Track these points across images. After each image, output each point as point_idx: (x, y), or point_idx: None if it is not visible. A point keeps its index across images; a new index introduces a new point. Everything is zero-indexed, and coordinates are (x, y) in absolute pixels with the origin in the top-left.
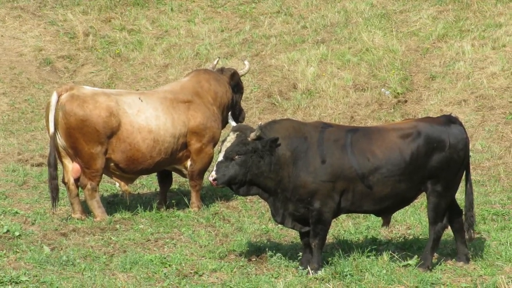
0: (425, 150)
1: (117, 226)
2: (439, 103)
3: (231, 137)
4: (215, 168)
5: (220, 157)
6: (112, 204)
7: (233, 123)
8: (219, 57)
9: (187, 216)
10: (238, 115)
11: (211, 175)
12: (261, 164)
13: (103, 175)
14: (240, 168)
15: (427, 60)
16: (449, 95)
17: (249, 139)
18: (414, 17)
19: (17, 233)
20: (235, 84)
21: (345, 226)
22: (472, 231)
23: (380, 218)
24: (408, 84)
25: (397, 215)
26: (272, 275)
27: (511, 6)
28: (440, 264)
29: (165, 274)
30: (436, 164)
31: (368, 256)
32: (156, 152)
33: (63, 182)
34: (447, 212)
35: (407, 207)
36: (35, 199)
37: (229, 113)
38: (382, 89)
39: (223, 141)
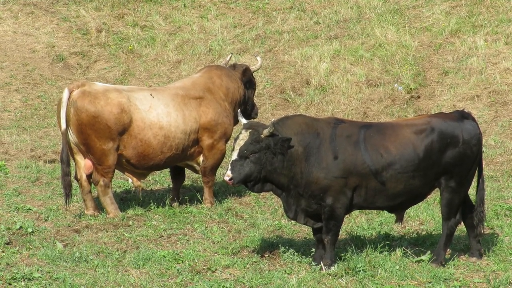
0: (438, 146)
1: (130, 222)
2: (452, 98)
3: (244, 135)
4: (230, 167)
5: (234, 156)
6: (125, 200)
7: (243, 120)
8: (231, 53)
9: (200, 212)
10: (251, 111)
11: (226, 175)
12: (274, 161)
13: (116, 171)
14: (255, 165)
15: (440, 56)
16: (462, 90)
17: (262, 136)
18: (427, 13)
19: (30, 230)
20: (247, 80)
21: (358, 222)
22: (482, 227)
23: (393, 214)
24: (421, 79)
25: (410, 210)
26: (285, 271)
27: None
28: (453, 260)
29: (178, 270)
30: (449, 160)
31: (381, 252)
32: (167, 148)
33: (76, 178)
34: (460, 208)
35: (420, 203)
36: (48, 195)
37: (239, 110)
38: (395, 85)
39: (236, 139)
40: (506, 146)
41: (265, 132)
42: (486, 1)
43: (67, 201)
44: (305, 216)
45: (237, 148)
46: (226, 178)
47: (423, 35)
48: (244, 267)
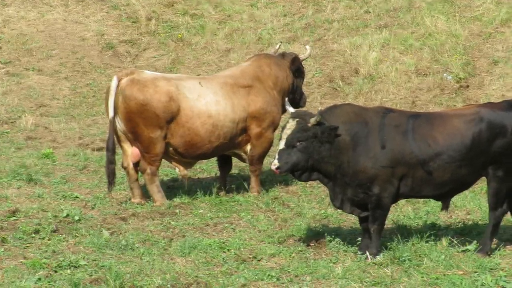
0: (487, 135)
1: (177, 210)
2: (501, 88)
3: (291, 124)
4: (277, 156)
5: (282, 145)
6: (172, 188)
7: (290, 109)
8: (281, 42)
9: (247, 200)
10: (299, 100)
11: (273, 164)
12: (322, 150)
13: (163, 159)
14: (302, 154)
15: (490, 45)
16: (511, 80)
17: (309, 125)
18: (477, 2)
19: (76, 218)
20: (296, 68)
21: (404, 211)
22: None
23: (439, 202)
24: (470, 69)
25: (457, 200)
26: (331, 260)
27: None
28: (499, 250)
29: (223, 258)
30: (497, 150)
31: (427, 241)
32: (215, 137)
33: (123, 166)
34: (507, 198)
35: (466, 192)
36: (95, 183)
37: (286, 98)
38: (444, 74)
39: (283, 128)
40: None
41: (312, 121)
42: None
43: (110, 189)
44: (352, 205)
45: (284, 137)
46: (273, 167)
47: (473, 24)
48: (290, 256)
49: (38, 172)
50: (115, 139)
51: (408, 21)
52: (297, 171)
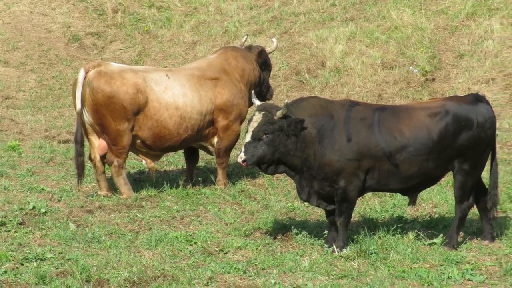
0: (453, 129)
1: (143, 203)
2: (467, 81)
3: (257, 117)
4: (243, 149)
5: (248, 138)
6: (139, 181)
7: (256, 102)
8: (247, 35)
9: (213, 193)
10: (266, 93)
11: (240, 157)
12: (288, 143)
13: (130, 152)
14: (268, 147)
15: (456, 39)
16: (477, 73)
17: (275, 117)
18: None
19: (43, 210)
20: (263, 61)
21: (371, 204)
22: (495, 210)
23: (406, 197)
24: (436, 62)
25: (423, 193)
26: (298, 253)
27: None
28: (465, 243)
29: (190, 251)
30: (463, 143)
31: (393, 235)
32: (183, 129)
33: (90, 159)
34: (473, 191)
35: (433, 186)
36: (61, 176)
37: (252, 92)
38: (410, 67)
39: (250, 121)
40: None
41: (278, 114)
42: None
43: (80, 181)
44: (318, 198)
45: (250, 130)
46: (240, 160)
47: (439, 17)
48: (257, 249)
49: (4, 164)
50: (83, 131)
51: (374, 14)
52: (263, 164)
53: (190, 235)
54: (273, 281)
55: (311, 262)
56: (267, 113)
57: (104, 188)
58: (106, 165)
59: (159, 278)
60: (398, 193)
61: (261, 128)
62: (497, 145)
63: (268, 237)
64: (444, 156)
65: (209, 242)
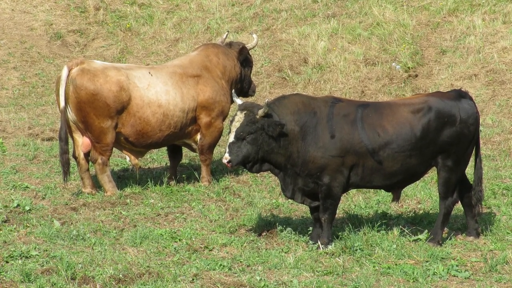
0: (435, 125)
1: (128, 200)
2: (449, 77)
3: (239, 117)
4: (227, 150)
5: (231, 138)
6: (123, 178)
7: (238, 101)
8: (228, 31)
9: (198, 190)
10: (248, 89)
11: (224, 157)
12: (271, 141)
13: (114, 149)
14: (252, 146)
15: (438, 35)
16: (459, 69)
17: (257, 116)
18: None
19: (27, 208)
20: (244, 58)
21: (356, 201)
22: (480, 206)
23: (390, 193)
24: (418, 58)
25: (408, 189)
26: (282, 250)
27: None
28: (450, 239)
29: (175, 248)
30: (446, 139)
31: (378, 231)
32: (165, 126)
33: (74, 156)
34: (457, 187)
35: (417, 182)
36: (45, 173)
37: (233, 90)
38: (393, 64)
39: (232, 121)
40: (503, 125)
41: (260, 112)
42: None
43: (65, 179)
44: (302, 195)
45: (233, 130)
46: (225, 161)
47: (421, 14)
48: (241, 245)
49: None
50: (67, 129)
51: (356, 10)
52: (248, 163)
53: (175, 232)
54: (258, 278)
55: (296, 259)
56: (249, 113)
57: (88, 185)
58: (90, 163)
59: (144, 275)
60: (382, 190)
61: (243, 128)
62: (481, 141)
63: (252, 234)
64: (427, 152)
65: (194, 239)
